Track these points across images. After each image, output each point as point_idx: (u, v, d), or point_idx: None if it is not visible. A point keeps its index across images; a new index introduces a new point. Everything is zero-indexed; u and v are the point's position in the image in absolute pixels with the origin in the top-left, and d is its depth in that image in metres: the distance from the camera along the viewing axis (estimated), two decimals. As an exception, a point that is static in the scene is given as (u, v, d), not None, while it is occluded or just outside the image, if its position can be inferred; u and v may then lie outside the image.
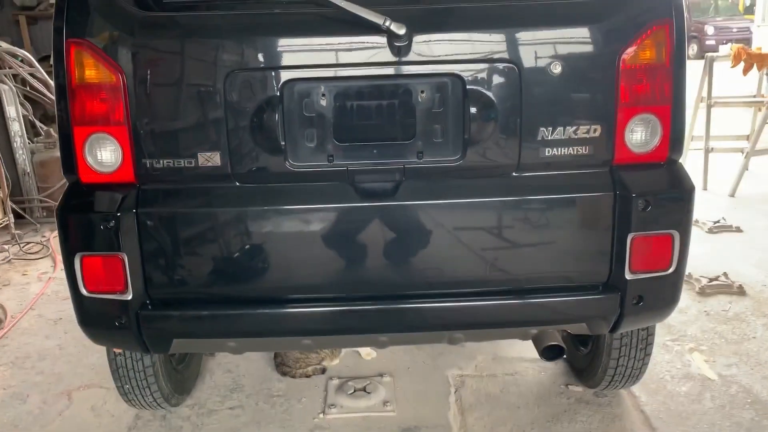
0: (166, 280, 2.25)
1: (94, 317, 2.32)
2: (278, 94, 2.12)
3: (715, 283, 4.00)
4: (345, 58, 2.11)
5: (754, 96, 6.62)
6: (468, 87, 2.14)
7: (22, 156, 5.93)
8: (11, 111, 5.80)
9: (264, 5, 2.18)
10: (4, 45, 5.81)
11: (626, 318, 2.33)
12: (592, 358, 2.85)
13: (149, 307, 2.26)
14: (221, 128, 2.15)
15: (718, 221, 5.17)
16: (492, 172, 2.25)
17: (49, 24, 2.11)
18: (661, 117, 2.21)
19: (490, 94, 2.15)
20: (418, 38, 2.08)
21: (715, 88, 6.28)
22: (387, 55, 2.10)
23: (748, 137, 6.44)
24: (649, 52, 2.18)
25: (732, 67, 6.25)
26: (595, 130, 2.19)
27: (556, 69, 2.14)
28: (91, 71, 2.14)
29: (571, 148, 2.20)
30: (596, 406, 2.88)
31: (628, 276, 2.26)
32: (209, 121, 2.15)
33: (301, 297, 2.30)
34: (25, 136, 5.98)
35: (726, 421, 2.75)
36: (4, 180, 5.39)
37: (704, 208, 5.52)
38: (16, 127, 5.84)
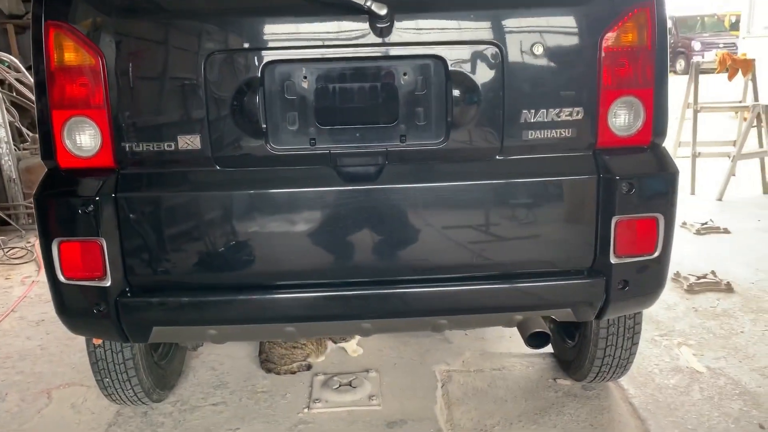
0: (145, 266, 2.21)
1: (72, 305, 2.27)
2: (259, 76, 2.11)
3: (703, 280, 4.00)
4: (326, 39, 2.10)
5: (740, 102, 6.67)
6: (450, 69, 2.13)
7: (7, 162, 5.89)
8: (-3, 117, 5.76)
9: None
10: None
11: (612, 304, 2.31)
12: (579, 349, 2.82)
13: (128, 294, 2.23)
14: (201, 111, 2.13)
15: (705, 223, 5.18)
16: (475, 156, 2.24)
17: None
18: (643, 100, 2.21)
19: (472, 76, 2.14)
20: (399, 19, 2.08)
21: (704, 100, 6.34)
22: (369, 37, 2.09)
23: (734, 143, 6.48)
24: (631, 35, 2.18)
25: (717, 72, 6.30)
26: (577, 113, 2.19)
27: (539, 51, 2.13)
28: (71, 54, 2.12)
29: (554, 131, 2.19)
30: (584, 399, 2.84)
31: (613, 260, 2.24)
32: (189, 104, 2.13)
33: (283, 283, 2.26)
34: (11, 142, 5.93)
35: (715, 412, 2.72)
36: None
37: (692, 211, 5.53)
38: (2, 133, 5.80)
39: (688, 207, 5.72)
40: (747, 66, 6.22)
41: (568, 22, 2.17)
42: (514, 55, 2.13)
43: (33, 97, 5.28)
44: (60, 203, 2.19)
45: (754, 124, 5.88)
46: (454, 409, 2.80)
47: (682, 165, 6.04)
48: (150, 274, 2.22)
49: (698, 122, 6.34)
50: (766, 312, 3.65)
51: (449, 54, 2.13)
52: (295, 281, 2.26)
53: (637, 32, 2.18)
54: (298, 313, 2.28)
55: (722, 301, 3.81)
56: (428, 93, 2.16)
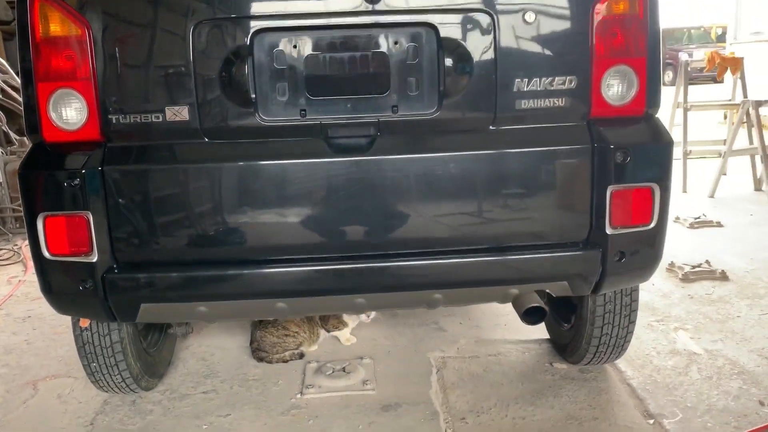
0: (132, 240, 2.16)
1: (58, 282, 2.22)
2: (248, 45, 2.08)
3: (697, 269, 3.97)
4: (316, 7, 2.08)
5: (729, 100, 6.70)
6: (442, 37, 2.11)
7: (-5, 166, 5.82)
8: (-17, 120, 5.72)
9: None
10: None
11: (609, 276, 2.28)
12: (576, 330, 2.78)
13: (115, 270, 2.18)
14: (189, 81, 2.10)
15: (698, 217, 5.18)
16: (469, 126, 2.21)
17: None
18: (636, 69, 2.20)
19: (465, 44, 2.12)
20: (390, -15, 2.06)
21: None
22: (359, 5, 2.07)
23: (724, 142, 6.50)
24: (623, 3, 2.18)
25: (707, 71, 6.35)
26: (570, 82, 2.17)
27: (531, 18, 2.12)
28: (56, 25, 2.09)
29: (547, 100, 2.17)
30: (581, 381, 2.80)
31: (608, 231, 2.21)
32: (177, 74, 2.10)
33: (273, 257, 2.22)
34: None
35: (714, 390, 2.68)
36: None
37: (684, 208, 5.52)
38: (-12, 137, 5.75)
39: (681, 204, 5.70)
40: (736, 64, 6.26)
41: (560, -11, 2.16)
42: (506, 23, 2.11)
43: (21, 100, 5.24)
44: (45, 177, 2.15)
45: (744, 120, 5.90)
46: (450, 392, 2.75)
47: (673, 164, 6.12)
48: (137, 249, 2.17)
49: (688, 123, 6.36)
50: (761, 298, 3.63)
51: (441, 22, 2.11)
52: (286, 255, 2.22)
53: (629, 1, 2.17)
54: (290, 288, 2.23)
55: (717, 288, 3.79)
56: (420, 62, 2.14)
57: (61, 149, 2.16)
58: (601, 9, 2.14)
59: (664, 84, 2.31)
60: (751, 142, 6.12)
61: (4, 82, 5.74)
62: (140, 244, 2.17)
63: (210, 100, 2.12)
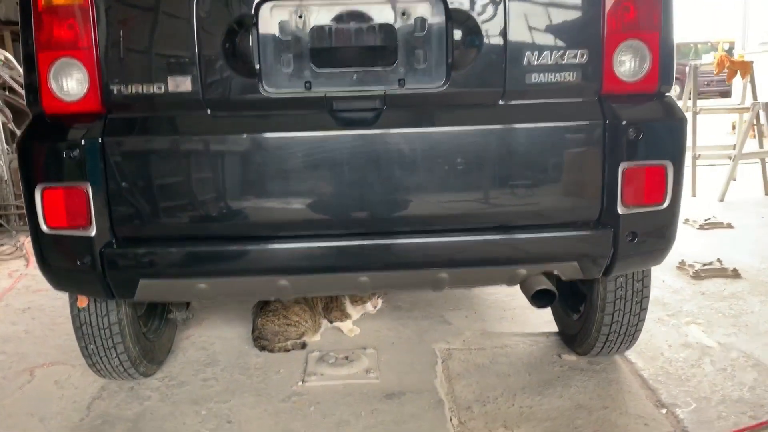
0: (132, 214, 2.12)
1: (55, 257, 2.17)
2: (252, 14, 2.04)
3: (709, 267, 3.90)
4: (322, -24, 2.04)
5: (740, 104, 6.65)
6: (451, 8, 2.06)
7: (0, 163, 5.81)
8: (-11, 117, 5.70)
9: None
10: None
11: (620, 257, 2.22)
12: (586, 318, 2.71)
13: (114, 244, 2.13)
14: (192, 51, 2.05)
15: (708, 218, 5.10)
16: (477, 100, 2.16)
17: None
18: (649, 45, 2.15)
19: (474, 15, 2.07)
20: (397, -46, 2.02)
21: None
22: (366, -26, 2.03)
23: (734, 147, 6.43)
24: None
25: (716, 74, 6.30)
26: (582, 56, 2.12)
27: None
28: None
29: (558, 75, 2.12)
30: (591, 373, 2.72)
31: (620, 210, 2.15)
32: (180, 44, 2.06)
33: (276, 233, 2.16)
34: (4, 143, 5.86)
35: (728, 382, 2.60)
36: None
37: (694, 210, 5.44)
38: (-6, 133, 5.73)
39: (690, 207, 5.62)
40: (745, 68, 6.21)
41: (571, -40, 2.12)
42: None
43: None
44: (44, 147, 2.11)
45: (754, 123, 5.83)
46: (455, 382, 2.68)
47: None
48: (137, 223, 2.12)
49: (697, 129, 6.31)
50: (775, 295, 3.55)
51: None
52: (289, 231, 2.16)
53: None
54: (292, 265, 2.18)
55: (729, 285, 3.71)
56: (428, 34, 2.09)
57: (61, 120, 2.12)
58: None
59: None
60: (761, 146, 6.05)
61: (11, 78, 5.72)
62: (139, 218, 2.12)
63: (213, 70, 2.07)
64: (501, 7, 2.07)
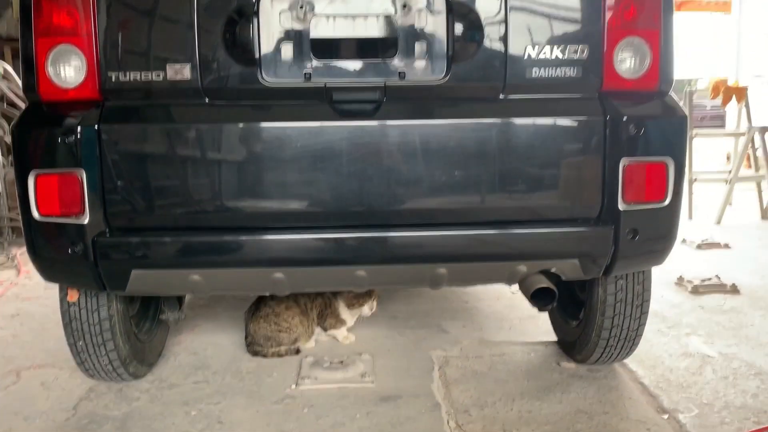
0: (126, 203, 2.08)
1: (47, 245, 2.14)
2: (253, 3, 2.04)
3: (707, 283, 3.86)
4: (324, -33, 2.05)
5: (736, 129, 6.68)
6: (452, 1, 2.06)
7: (-6, 175, 5.76)
8: (-14, 130, 5.68)
9: None
10: (-16, 60, 5.76)
11: (621, 255, 2.19)
12: (585, 324, 2.66)
13: (107, 233, 2.09)
14: (192, 39, 2.05)
15: (706, 239, 5.08)
16: (477, 94, 2.16)
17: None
18: (650, 42, 2.15)
19: (475, 8, 2.08)
20: (398, -55, 2.03)
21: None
22: (367, -35, 2.04)
23: (730, 172, 6.44)
24: None
25: (711, 98, 6.34)
26: (582, 52, 2.12)
27: None
28: None
29: (559, 69, 2.12)
30: (590, 380, 2.66)
31: (621, 207, 2.13)
32: (180, 31, 2.06)
33: (271, 224, 2.13)
34: (0, 155, 5.83)
35: (730, 389, 2.55)
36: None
37: (691, 232, 5.42)
38: (-10, 147, 5.71)
39: (687, 230, 5.61)
40: (741, 93, 6.26)
41: (572, -44, 2.13)
42: None
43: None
44: (39, 133, 2.09)
45: (749, 147, 5.86)
46: (452, 387, 2.62)
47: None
48: (131, 212, 2.09)
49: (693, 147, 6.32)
50: (775, 310, 3.51)
51: None
52: (285, 222, 2.13)
53: None
54: (288, 257, 2.14)
55: (729, 300, 3.67)
56: (429, 26, 2.09)
57: (58, 107, 2.10)
58: None
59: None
60: (757, 170, 6.07)
61: (10, 90, 5.72)
62: (134, 207, 2.09)
63: (213, 59, 2.06)
64: (502, 0, 2.07)
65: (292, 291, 2.35)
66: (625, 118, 2.11)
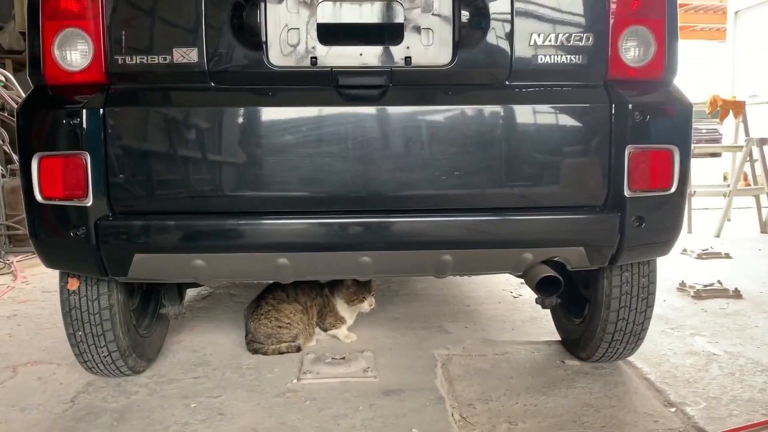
0: (130, 186, 2.07)
1: (49, 228, 2.12)
2: (261, -14, 2.05)
3: (710, 288, 3.84)
4: (331, -49, 2.06)
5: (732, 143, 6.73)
6: None
7: (-7, 183, 5.75)
8: (-14, 138, 5.68)
9: None
10: (-14, 68, 5.79)
11: (627, 245, 2.18)
12: (590, 319, 2.63)
13: (110, 217, 2.07)
14: (199, 22, 2.06)
15: (706, 249, 5.07)
16: (483, 80, 2.16)
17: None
18: (654, 31, 2.17)
19: None
20: (405, -70, 2.04)
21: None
22: (374, -50, 2.05)
23: (728, 185, 6.47)
24: None
25: (709, 113, 6.38)
26: (587, 39, 2.13)
27: None
28: None
29: (564, 57, 2.13)
30: (596, 376, 2.63)
31: (627, 194, 2.13)
32: (187, 15, 2.07)
33: (276, 208, 2.11)
34: (-1, 164, 5.83)
35: (737, 384, 2.52)
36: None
37: (691, 244, 5.42)
38: (-11, 155, 5.70)
39: (687, 241, 5.61)
40: (738, 107, 6.30)
41: (576, -56, 2.15)
42: None
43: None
44: (44, 115, 2.08)
45: (747, 159, 5.89)
46: (456, 383, 2.58)
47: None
48: (134, 195, 2.07)
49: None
50: (779, 313, 3.49)
51: None
52: (289, 207, 2.12)
53: None
54: (292, 241, 2.12)
55: (732, 304, 3.65)
56: (435, 12, 2.10)
57: (63, 90, 2.10)
58: None
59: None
60: (755, 183, 6.09)
61: (11, 98, 5.73)
62: (137, 190, 2.07)
63: (219, 43, 2.07)
64: (508, -14, 2.09)
65: (296, 278, 2.32)
66: (630, 106, 2.11)
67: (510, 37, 2.11)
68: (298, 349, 2.92)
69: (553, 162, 2.14)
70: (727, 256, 4.99)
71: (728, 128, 6.97)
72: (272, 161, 2.09)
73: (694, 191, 6.30)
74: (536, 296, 2.66)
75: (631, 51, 2.17)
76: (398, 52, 2.11)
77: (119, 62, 2.07)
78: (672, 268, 4.36)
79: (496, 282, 4.14)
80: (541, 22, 2.11)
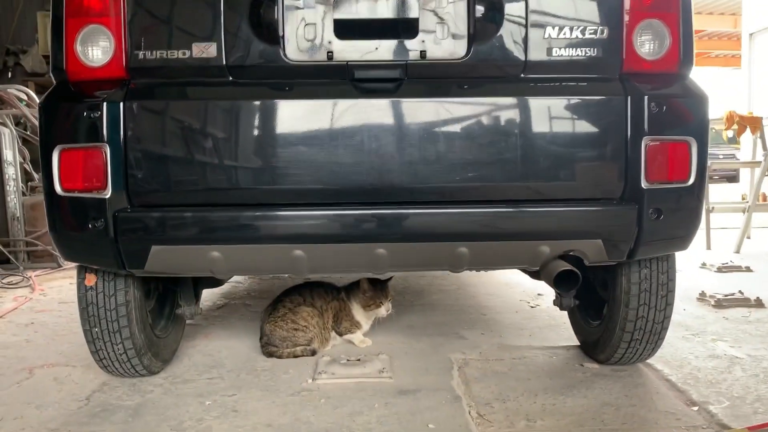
0: (148, 178, 2.10)
1: (68, 220, 2.14)
2: (278, -17, 2.09)
3: (731, 297, 3.78)
4: (347, -53, 2.10)
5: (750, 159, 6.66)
6: None
7: (13, 200, 5.82)
8: (8, 155, 5.77)
9: None
10: (12, 88, 5.91)
11: (645, 238, 2.16)
12: (609, 319, 2.59)
13: (128, 209, 2.09)
14: (218, 17, 2.09)
15: (726, 263, 5.00)
16: (498, 73, 2.17)
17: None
18: (669, 24, 2.17)
19: None
20: (419, -75, 2.08)
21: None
22: (388, -55, 2.09)
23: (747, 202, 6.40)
24: None
25: (725, 129, 6.34)
26: (602, 32, 2.14)
27: None
28: None
29: (579, 50, 2.14)
30: (615, 378, 2.58)
31: (644, 185, 2.12)
32: (206, 10, 2.11)
33: (292, 200, 2.12)
34: (20, 180, 5.91)
35: (762, 385, 2.46)
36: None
37: (711, 258, 5.34)
38: (11, 171, 5.78)
39: (706, 257, 5.53)
40: (755, 123, 6.26)
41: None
42: None
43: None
44: (65, 108, 2.12)
45: (766, 174, 5.83)
46: (473, 384, 2.55)
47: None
48: (152, 187, 2.10)
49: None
50: (802, 322, 3.42)
51: None
52: (305, 199, 2.13)
53: None
54: (307, 233, 2.12)
55: (754, 313, 3.58)
56: (450, 5, 2.13)
57: (85, 85, 2.14)
58: None
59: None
60: (775, 200, 6.02)
61: (33, 116, 5.84)
62: (156, 183, 2.10)
63: (237, 37, 2.11)
64: (523, -20, 2.11)
65: (312, 272, 2.31)
66: (646, 98, 2.11)
67: (525, 30, 2.12)
68: (313, 353, 2.90)
69: (569, 154, 2.14)
70: (748, 269, 4.91)
71: (746, 145, 6.90)
72: (289, 154, 2.10)
73: (713, 207, 6.22)
74: (553, 299, 2.66)
75: (646, 45, 2.17)
76: (413, 45, 2.13)
77: (139, 58, 2.10)
78: (692, 281, 4.31)
79: (512, 293, 4.11)
80: (556, 16, 2.13)
